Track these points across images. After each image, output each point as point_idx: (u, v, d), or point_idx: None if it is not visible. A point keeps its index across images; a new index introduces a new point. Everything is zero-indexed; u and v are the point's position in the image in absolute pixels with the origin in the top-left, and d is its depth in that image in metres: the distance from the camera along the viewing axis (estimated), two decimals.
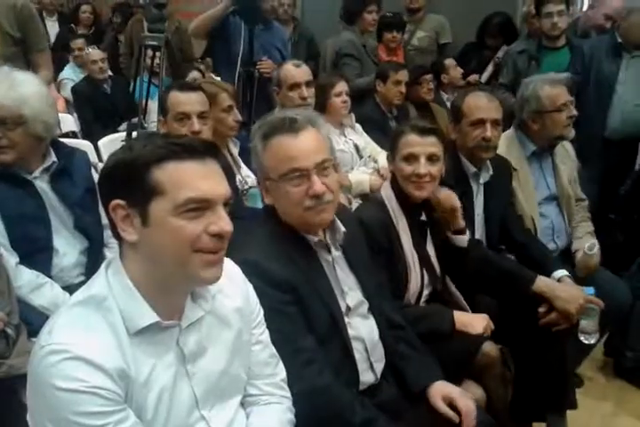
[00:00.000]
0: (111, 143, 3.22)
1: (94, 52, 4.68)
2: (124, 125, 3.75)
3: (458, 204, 2.01)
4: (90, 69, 4.67)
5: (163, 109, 2.41)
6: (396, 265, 1.92)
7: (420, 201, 1.98)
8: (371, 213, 1.95)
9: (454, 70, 4.42)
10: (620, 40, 3.38)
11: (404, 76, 3.73)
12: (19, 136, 1.94)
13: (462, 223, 2.03)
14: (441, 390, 1.58)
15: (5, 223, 1.91)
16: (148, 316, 1.10)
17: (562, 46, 3.71)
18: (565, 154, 2.70)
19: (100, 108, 4.50)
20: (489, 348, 1.88)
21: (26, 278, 1.91)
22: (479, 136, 2.23)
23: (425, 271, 2.00)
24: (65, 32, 6.04)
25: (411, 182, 1.93)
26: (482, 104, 2.26)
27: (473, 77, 4.57)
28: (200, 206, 1.07)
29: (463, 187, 2.25)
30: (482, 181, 2.34)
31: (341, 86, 3.19)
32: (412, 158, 1.93)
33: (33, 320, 1.81)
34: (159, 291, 1.12)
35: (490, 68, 4.55)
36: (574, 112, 2.52)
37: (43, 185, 2.03)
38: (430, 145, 1.93)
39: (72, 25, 6.27)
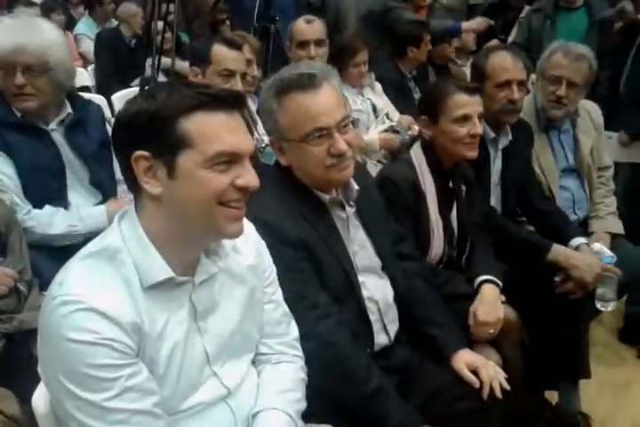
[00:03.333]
0: (125, 98, 3.15)
1: (133, 7, 4.66)
2: (137, 81, 3.68)
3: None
4: (130, 23, 4.64)
5: (201, 60, 2.32)
6: (419, 226, 1.89)
7: (451, 167, 1.94)
8: (399, 171, 1.92)
9: (466, 34, 4.26)
10: None
11: (427, 34, 3.67)
12: (43, 84, 1.92)
13: None
14: (465, 359, 1.58)
15: (20, 174, 1.89)
16: (163, 271, 1.07)
17: (578, 7, 3.59)
18: (590, 124, 2.57)
19: (122, 60, 4.42)
20: (507, 312, 1.86)
21: (38, 217, 1.91)
22: (505, 98, 2.14)
23: (446, 238, 1.96)
24: None
25: (464, 144, 1.88)
26: (508, 64, 2.16)
27: (494, 43, 4.44)
28: (229, 160, 1.05)
29: (480, 153, 2.12)
30: (500, 146, 2.26)
31: (361, 57, 3.08)
32: (466, 119, 1.87)
33: (44, 272, 1.81)
34: (176, 245, 1.09)
35: (515, 30, 4.41)
36: (563, 93, 2.34)
37: (58, 137, 2.00)
38: (479, 104, 1.89)
39: None
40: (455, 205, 2.01)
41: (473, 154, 1.91)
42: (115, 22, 5.22)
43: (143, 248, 1.07)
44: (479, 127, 1.87)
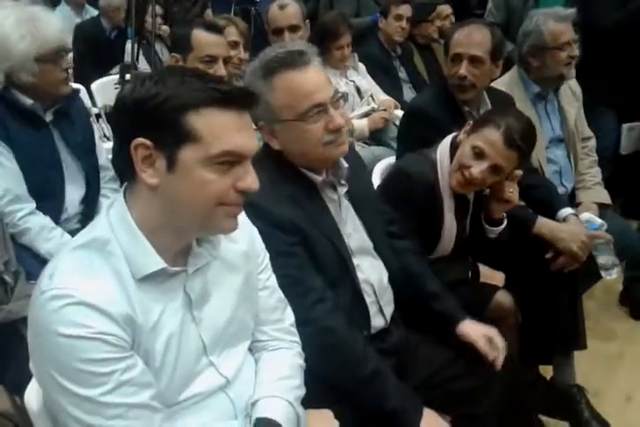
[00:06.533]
0: (105, 86, 3.11)
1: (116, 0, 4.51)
2: (116, 69, 3.61)
3: (516, 200, 1.87)
4: (112, 17, 4.50)
5: (182, 47, 2.27)
6: (428, 227, 1.83)
7: None
8: (419, 168, 1.83)
9: (444, 20, 4.08)
10: None
11: (405, 10, 3.60)
12: None
13: (501, 215, 1.89)
14: (476, 329, 1.58)
15: (22, 168, 1.86)
16: (155, 261, 1.05)
17: None
18: (571, 95, 2.58)
19: (101, 52, 4.29)
20: (503, 298, 1.86)
21: (38, 223, 1.88)
22: (455, 73, 2.11)
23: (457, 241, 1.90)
24: None
25: (461, 175, 1.78)
26: (461, 38, 2.12)
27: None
28: (232, 160, 1.02)
29: (459, 126, 2.03)
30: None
31: (345, 39, 3.03)
32: (479, 155, 1.75)
33: (30, 267, 1.77)
34: (168, 234, 1.07)
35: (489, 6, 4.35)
36: (576, 52, 2.38)
37: (52, 128, 1.96)
38: (501, 156, 1.72)
39: None
40: (470, 210, 1.94)
41: (460, 189, 1.81)
42: (91, 10, 5.10)
43: (133, 238, 1.04)
44: (479, 171, 1.75)
